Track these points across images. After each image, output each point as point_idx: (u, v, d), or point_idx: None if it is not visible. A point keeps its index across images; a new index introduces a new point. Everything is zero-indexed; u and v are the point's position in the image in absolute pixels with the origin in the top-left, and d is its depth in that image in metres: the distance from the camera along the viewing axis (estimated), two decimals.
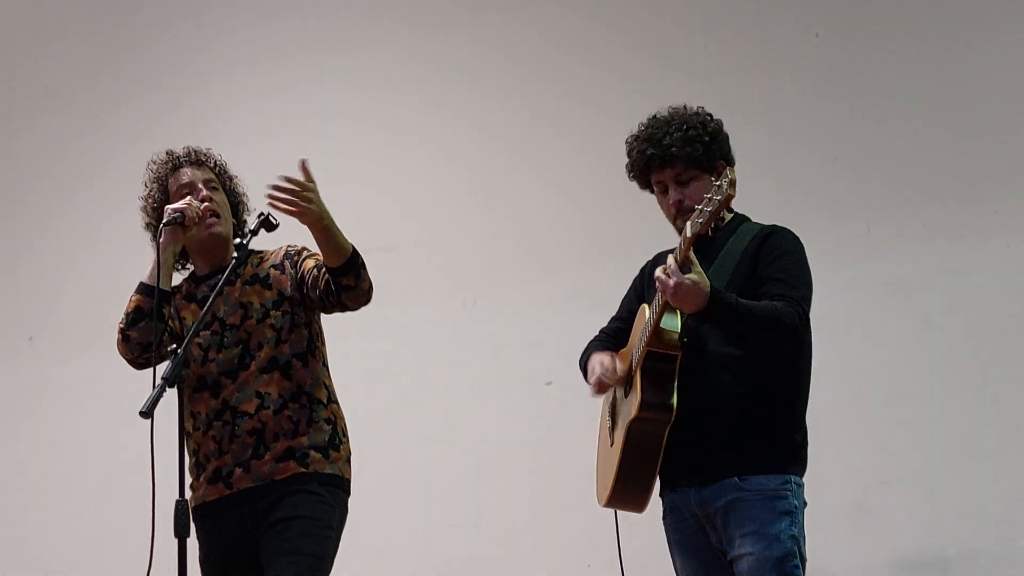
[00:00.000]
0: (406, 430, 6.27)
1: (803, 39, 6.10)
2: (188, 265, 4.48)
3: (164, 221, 4.22)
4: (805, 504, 3.99)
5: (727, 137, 4.14)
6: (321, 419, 4.27)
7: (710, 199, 3.68)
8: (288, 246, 4.41)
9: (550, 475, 5.96)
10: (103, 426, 6.67)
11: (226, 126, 6.76)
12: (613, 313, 4.41)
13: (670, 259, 3.78)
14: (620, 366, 4.05)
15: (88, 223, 7.10)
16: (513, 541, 6.08)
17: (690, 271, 3.75)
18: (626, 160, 4.17)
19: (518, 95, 6.49)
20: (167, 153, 4.46)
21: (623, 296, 4.38)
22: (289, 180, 4.04)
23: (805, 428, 4.05)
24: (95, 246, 7.02)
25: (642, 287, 4.27)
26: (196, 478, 4.27)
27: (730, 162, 4.10)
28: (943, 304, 5.67)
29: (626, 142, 4.17)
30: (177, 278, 4.49)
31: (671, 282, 3.73)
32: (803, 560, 3.92)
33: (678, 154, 4.02)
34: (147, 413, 3.71)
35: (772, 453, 3.93)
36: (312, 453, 4.22)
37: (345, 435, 4.34)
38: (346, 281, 4.17)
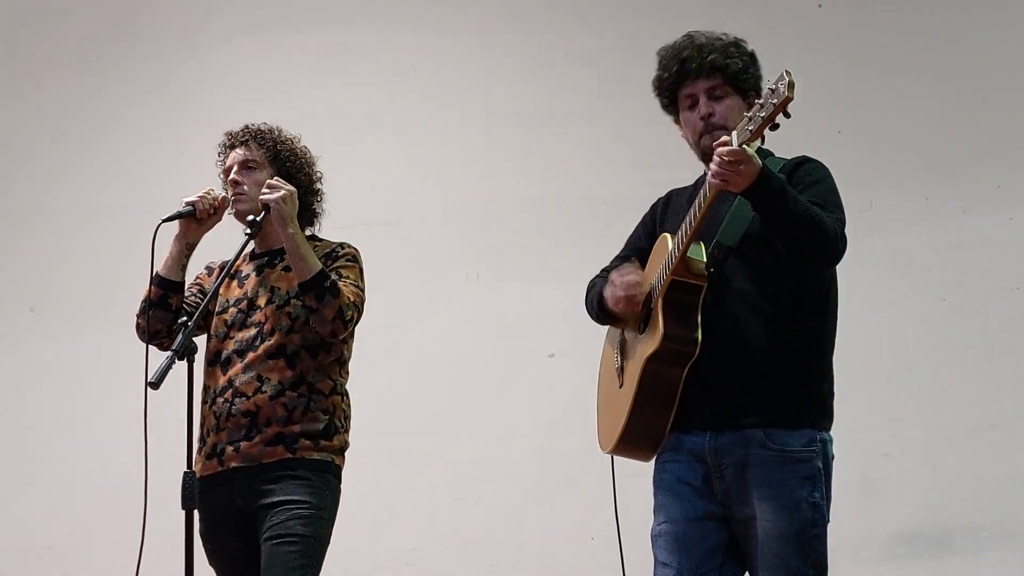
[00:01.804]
0: (409, 404, 6.27)
1: (806, 10, 6.10)
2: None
3: (170, 215, 4.27)
4: (832, 457, 3.79)
5: (760, 72, 3.90)
6: (318, 410, 4.28)
7: (763, 104, 3.42)
8: (339, 246, 4.44)
9: (552, 448, 5.96)
10: (106, 398, 6.67)
11: (228, 96, 6.75)
12: None
13: (725, 138, 3.52)
14: (637, 271, 3.79)
15: (90, 194, 7.09)
16: (516, 514, 6.09)
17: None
18: (655, 75, 3.92)
19: (521, 70, 6.49)
20: (226, 133, 4.51)
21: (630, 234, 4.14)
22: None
23: (832, 379, 3.86)
24: (97, 217, 7.01)
25: (653, 225, 4.01)
26: (198, 451, 4.30)
27: (760, 95, 3.77)
28: (946, 278, 5.68)
29: (658, 53, 3.93)
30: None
31: (726, 149, 3.48)
32: (827, 523, 3.72)
33: (717, 64, 3.79)
34: (155, 384, 3.74)
35: (800, 405, 3.71)
36: (302, 440, 4.24)
37: (343, 426, 4.35)
38: (308, 301, 4.21)
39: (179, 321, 4.00)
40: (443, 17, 6.70)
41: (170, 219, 4.28)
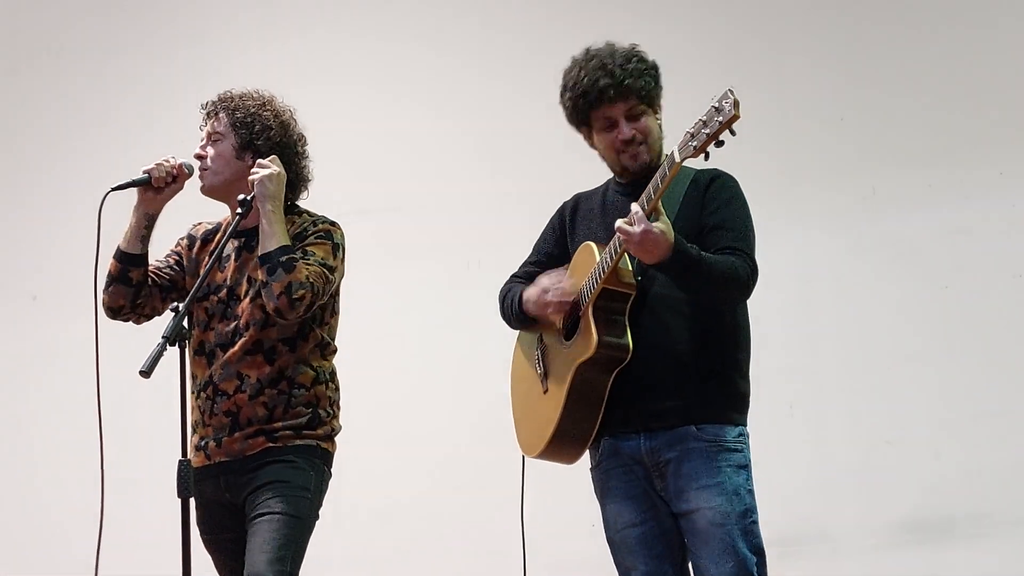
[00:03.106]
0: (409, 390, 6.26)
1: None
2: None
3: (121, 183, 4.18)
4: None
5: (661, 79, 3.94)
6: (299, 404, 4.18)
7: (707, 121, 3.48)
8: (312, 223, 4.30)
9: None
10: (107, 385, 6.66)
11: (226, 84, 6.71)
12: None
13: (635, 207, 3.58)
14: (569, 281, 3.86)
15: (91, 179, 7.05)
16: (516, 502, 6.07)
17: (657, 219, 3.58)
18: (566, 98, 3.94)
19: (524, 56, 6.46)
20: (202, 105, 4.39)
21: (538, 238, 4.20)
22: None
23: (749, 378, 3.89)
24: (99, 203, 6.99)
25: (563, 230, 4.10)
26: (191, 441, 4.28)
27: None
28: (948, 265, 5.68)
29: (565, 74, 3.95)
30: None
31: (637, 230, 3.55)
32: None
33: (632, 86, 3.83)
34: (147, 372, 3.67)
35: (726, 401, 3.79)
36: (283, 432, 4.16)
37: (330, 415, 4.25)
38: (260, 275, 4.10)
39: (171, 306, 3.89)
40: (445, 5, 6.68)
41: (121, 187, 4.17)
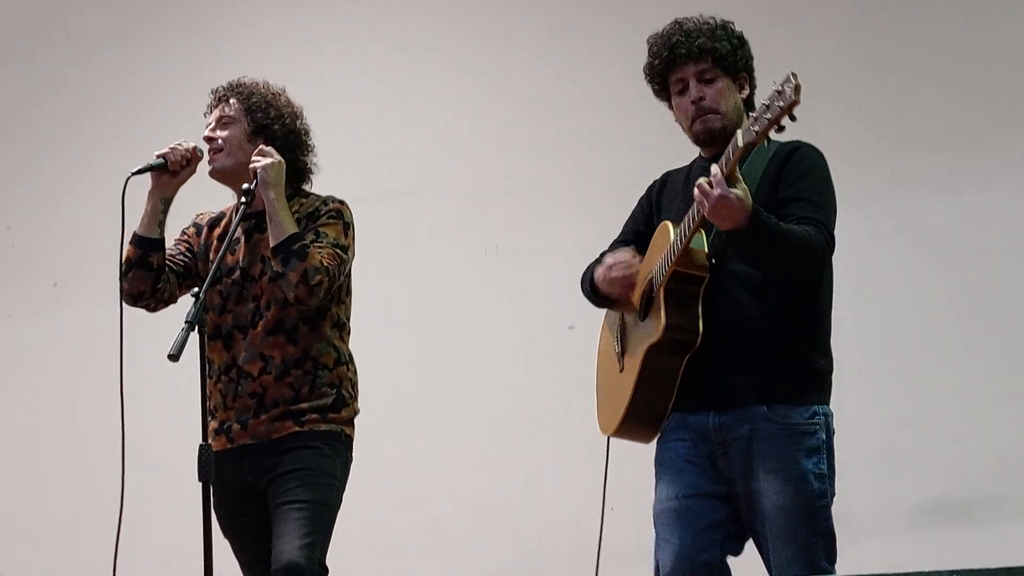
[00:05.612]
0: (428, 375, 6.27)
1: None
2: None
3: (139, 167, 4.22)
4: (833, 431, 3.79)
5: (751, 52, 3.94)
6: (324, 385, 4.24)
7: (769, 106, 3.45)
8: (323, 202, 4.35)
9: (572, 419, 5.94)
10: (128, 371, 6.66)
11: (245, 67, 6.70)
12: None
13: (715, 169, 3.53)
14: (634, 256, 3.86)
15: (110, 165, 7.06)
16: (535, 485, 6.10)
17: (735, 185, 3.53)
18: (646, 62, 3.94)
19: (543, 43, 6.45)
20: (212, 91, 4.44)
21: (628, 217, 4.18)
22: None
23: (831, 355, 3.85)
24: (120, 190, 6.99)
25: (650, 208, 4.05)
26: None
27: (753, 78, 3.92)
28: (968, 249, 5.67)
29: (647, 40, 3.94)
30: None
31: (715, 193, 3.50)
32: (832, 495, 3.73)
33: (705, 47, 3.80)
34: (175, 356, 3.72)
35: (799, 380, 3.75)
36: (310, 415, 4.21)
37: (352, 397, 4.31)
38: (275, 265, 4.15)
39: (191, 292, 3.93)
40: None
41: (140, 172, 4.22)
